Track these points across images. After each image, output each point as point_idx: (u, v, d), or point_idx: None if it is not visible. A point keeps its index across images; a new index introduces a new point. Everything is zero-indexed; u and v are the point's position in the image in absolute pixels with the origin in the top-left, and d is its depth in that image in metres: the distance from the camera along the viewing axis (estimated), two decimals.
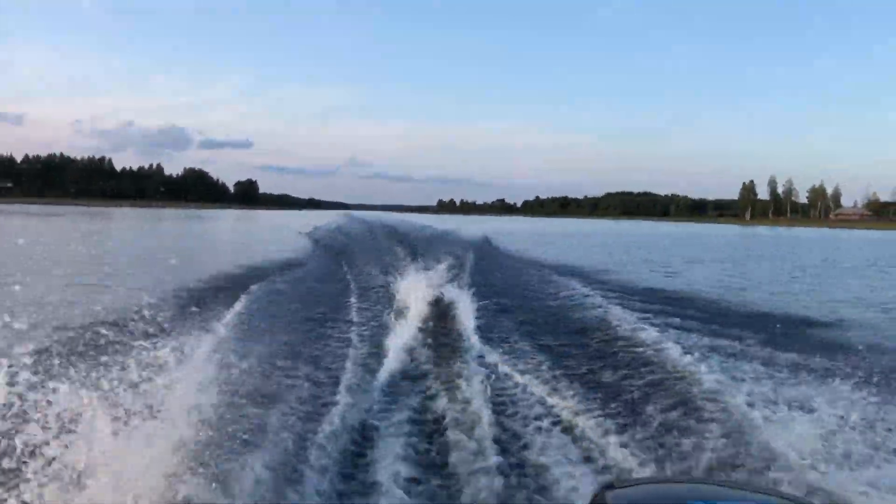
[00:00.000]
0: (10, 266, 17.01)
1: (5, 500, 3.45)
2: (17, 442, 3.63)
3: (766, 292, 17.82)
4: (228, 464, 3.96)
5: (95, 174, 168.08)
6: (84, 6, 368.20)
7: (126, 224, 58.90)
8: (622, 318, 10.49)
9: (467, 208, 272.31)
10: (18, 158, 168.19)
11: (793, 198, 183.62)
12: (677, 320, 10.98)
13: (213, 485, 3.73)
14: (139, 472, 3.61)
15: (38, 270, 16.07)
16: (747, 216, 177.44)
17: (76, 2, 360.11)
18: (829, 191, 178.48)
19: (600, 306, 12.03)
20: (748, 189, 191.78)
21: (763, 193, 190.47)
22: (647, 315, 11.10)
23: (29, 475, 3.52)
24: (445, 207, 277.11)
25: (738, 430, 5.16)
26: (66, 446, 3.68)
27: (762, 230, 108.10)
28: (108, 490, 3.49)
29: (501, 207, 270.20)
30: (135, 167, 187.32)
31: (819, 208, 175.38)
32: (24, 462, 3.56)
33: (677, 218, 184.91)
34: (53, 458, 3.60)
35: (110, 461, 3.66)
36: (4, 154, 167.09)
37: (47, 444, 3.67)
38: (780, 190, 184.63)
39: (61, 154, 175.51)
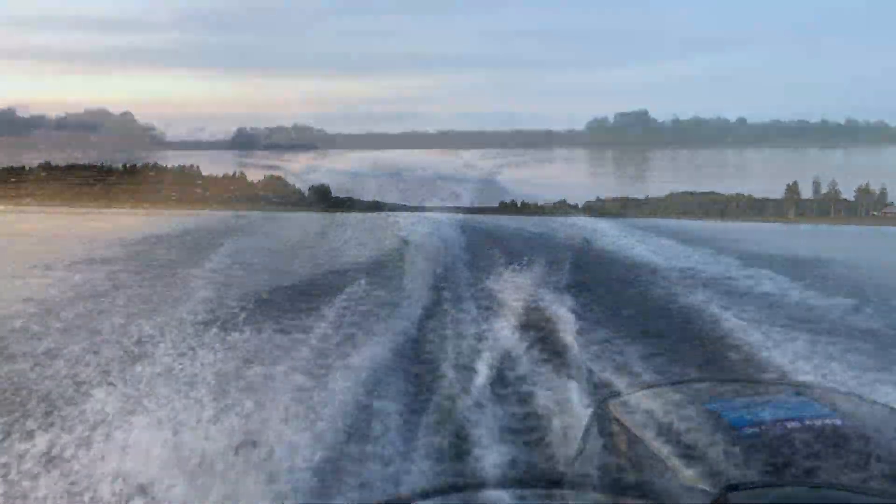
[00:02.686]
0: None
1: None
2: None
3: None
4: (334, 452, 4.15)
5: (187, 181, 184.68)
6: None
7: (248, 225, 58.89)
8: (733, 325, 10.02)
9: (529, 209, 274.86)
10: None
11: (839, 196, 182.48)
12: (803, 338, 9.72)
13: (317, 475, 3.96)
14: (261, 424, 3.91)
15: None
16: (791, 214, 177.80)
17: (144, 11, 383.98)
18: (877, 190, 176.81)
19: (708, 311, 11.72)
20: (792, 189, 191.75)
21: (807, 193, 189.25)
22: (766, 328, 10.22)
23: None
24: (507, 208, 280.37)
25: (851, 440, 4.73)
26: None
27: (804, 227, 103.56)
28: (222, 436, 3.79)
29: (563, 208, 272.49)
30: (218, 175, 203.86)
31: (865, 206, 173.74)
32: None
33: (735, 217, 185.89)
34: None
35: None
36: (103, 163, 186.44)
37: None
38: (824, 190, 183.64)
39: (156, 163, 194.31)
